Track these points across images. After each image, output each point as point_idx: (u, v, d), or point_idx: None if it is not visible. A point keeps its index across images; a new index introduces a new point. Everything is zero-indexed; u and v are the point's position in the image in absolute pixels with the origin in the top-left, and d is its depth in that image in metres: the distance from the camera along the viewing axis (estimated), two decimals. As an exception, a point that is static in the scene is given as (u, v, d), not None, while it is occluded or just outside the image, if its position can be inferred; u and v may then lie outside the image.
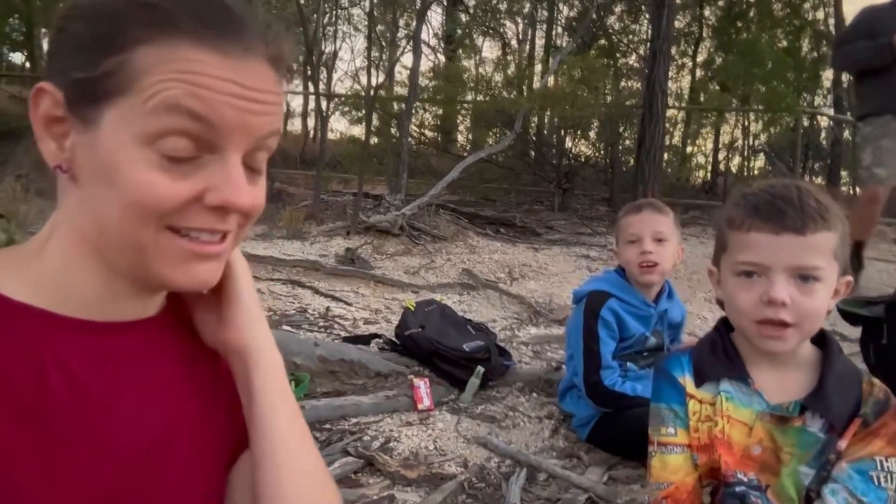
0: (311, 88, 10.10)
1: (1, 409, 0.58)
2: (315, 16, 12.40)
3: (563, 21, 16.71)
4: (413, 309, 3.45)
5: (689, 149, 15.99)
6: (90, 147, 0.62)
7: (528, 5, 15.65)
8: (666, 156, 12.07)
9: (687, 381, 1.43)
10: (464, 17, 16.90)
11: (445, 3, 17.27)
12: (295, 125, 21.67)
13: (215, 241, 0.66)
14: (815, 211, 1.21)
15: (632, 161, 10.66)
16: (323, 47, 15.55)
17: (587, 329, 2.59)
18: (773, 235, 1.21)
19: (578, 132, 10.74)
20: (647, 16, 13.35)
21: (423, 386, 2.96)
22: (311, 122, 18.34)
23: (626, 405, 2.45)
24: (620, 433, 2.45)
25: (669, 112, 11.76)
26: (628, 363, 2.66)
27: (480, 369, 3.04)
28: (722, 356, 1.41)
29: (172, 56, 0.60)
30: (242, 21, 0.64)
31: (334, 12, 18.07)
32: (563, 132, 10.82)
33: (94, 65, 0.61)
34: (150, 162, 0.60)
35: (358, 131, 12.61)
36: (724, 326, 1.47)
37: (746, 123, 15.70)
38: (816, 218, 1.20)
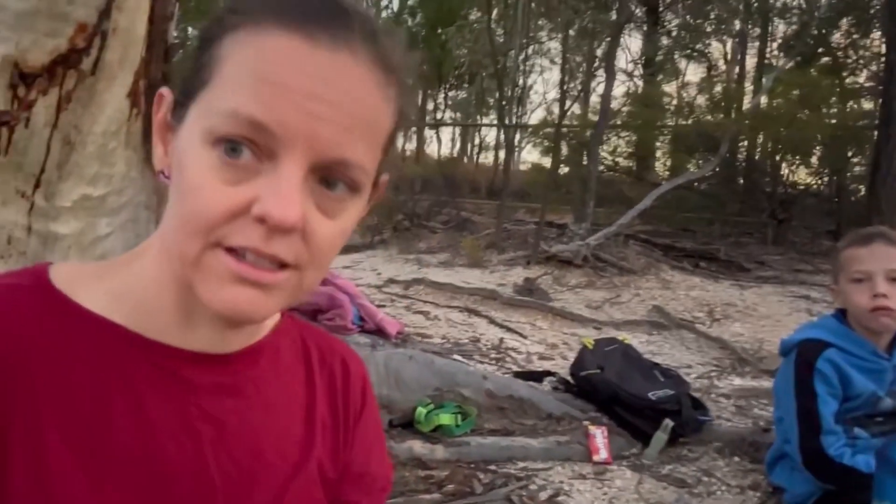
0: (503, 120, 10.20)
1: (66, 432, 0.54)
2: (511, 52, 12.65)
3: (778, 38, 15.25)
4: (591, 347, 3.15)
5: (940, 176, 13.52)
6: (175, 148, 0.57)
7: (737, 23, 14.50)
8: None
9: None
10: (664, 40, 16.15)
11: (645, 28, 16.68)
12: (488, 157, 22.29)
13: (265, 268, 0.53)
14: None
15: (863, 189, 9.26)
16: (517, 80, 15.79)
17: (800, 385, 2.10)
18: None
19: (797, 157, 9.57)
20: (880, 28, 11.63)
21: (599, 435, 2.66)
22: (503, 155, 18.69)
23: (857, 483, 1.92)
24: (851, 518, 1.93)
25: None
26: (856, 428, 2.11)
27: (669, 423, 2.65)
28: None
29: (250, 41, 0.53)
30: (343, 8, 0.54)
31: (530, 46, 18.34)
32: (777, 157, 9.71)
33: (194, 61, 0.57)
34: (207, 162, 0.53)
35: (548, 161, 12.51)
36: None
37: None
38: None
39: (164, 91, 0.60)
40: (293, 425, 0.68)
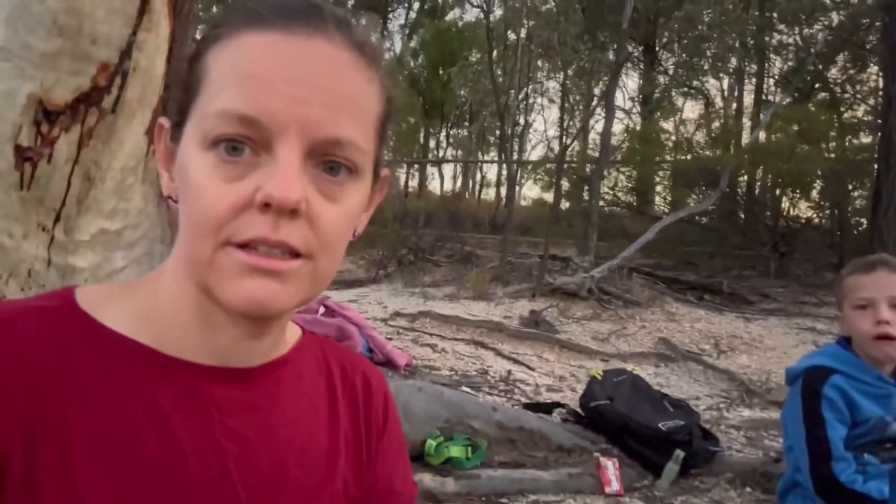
0: (504, 157, 10.29)
1: (94, 452, 0.54)
2: (511, 91, 12.87)
3: (775, 74, 15.49)
4: (600, 378, 3.14)
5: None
6: (176, 166, 0.59)
7: (734, 60, 14.76)
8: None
9: None
10: (662, 79, 16.41)
11: (642, 67, 16.97)
12: (489, 194, 22.45)
13: (276, 257, 0.54)
14: None
15: (865, 223, 9.30)
16: (517, 118, 16.01)
17: (808, 412, 2.09)
18: None
19: (797, 191, 9.63)
20: (877, 63, 11.82)
21: (611, 466, 2.63)
22: (504, 191, 18.81)
23: (871, 511, 1.90)
24: (867, 546, 1.89)
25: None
26: (865, 455, 2.09)
27: (680, 453, 2.62)
28: None
29: (231, 46, 0.55)
30: (315, 5, 0.57)
31: (529, 86, 18.64)
32: (778, 191, 9.77)
33: (184, 83, 0.59)
34: (208, 165, 0.54)
35: (549, 197, 12.60)
36: None
37: None
38: None
39: (163, 121, 0.62)
40: (317, 441, 0.67)
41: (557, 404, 3.26)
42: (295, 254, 0.54)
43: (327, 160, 0.55)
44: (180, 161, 0.57)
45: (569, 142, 12.47)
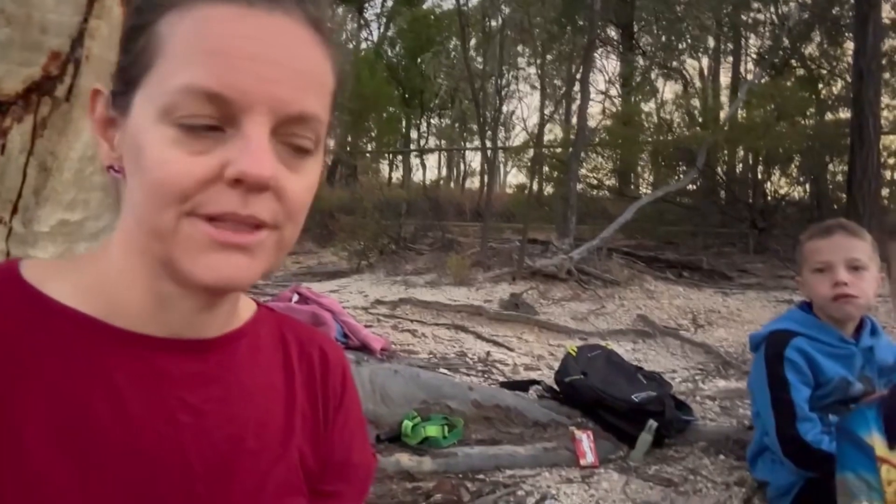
0: (488, 144, 10.29)
1: (46, 427, 0.53)
2: (492, 77, 12.84)
3: (752, 53, 15.56)
4: (575, 354, 3.17)
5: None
6: (125, 136, 0.58)
7: (711, 39, 14.81)
8: (889, 190, 10.49)
9: (876, 440, 1.12)
10: (640, 60, 16.45)
11: (620, 49, 16.99)
12: (474, 183, 22.44)
13: (244, 230, 0.55)
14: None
15: (843, 197, 9.41)
16: (497, 105, 15.99)
17: (772, 375, 2.13)
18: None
19: (776, 167, 9.72)
20: (853, 39, 11.90)
21: (585, 439, 2.67)
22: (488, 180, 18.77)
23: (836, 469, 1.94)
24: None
25: (889, 139, 10.24)
26: (830, 416, 2.14)
27: (653, 423, 2.67)
28: None
29: (190, 16, 0.54)
30: None
31: (510, 73, 18.59)
32: (757, 168, 9.86)
33: (129, 50, 0.58)
34: (168, 138, 0.54)
35: (533, 183, 12.61)
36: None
37: None
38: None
39: (100, 87, 0.61)
40: (273, 413, 0.67)
41: (534, 381, 3.30)
42: (260, 225, 0.55)
43: (291, 135, 0.56)
44: (132, 133, 0.56)
45: (550, 127, 12.49)
